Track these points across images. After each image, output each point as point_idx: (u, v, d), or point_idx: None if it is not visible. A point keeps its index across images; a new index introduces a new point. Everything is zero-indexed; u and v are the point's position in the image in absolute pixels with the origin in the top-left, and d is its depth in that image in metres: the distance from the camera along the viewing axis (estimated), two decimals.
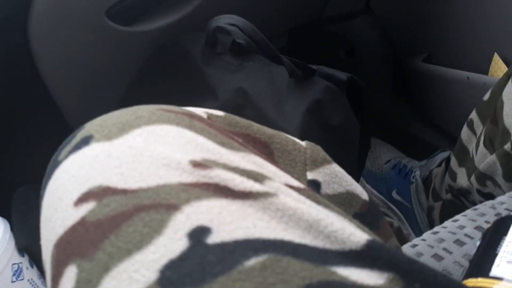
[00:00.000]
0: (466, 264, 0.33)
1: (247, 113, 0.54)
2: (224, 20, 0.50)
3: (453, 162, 0.58)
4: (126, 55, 0.62)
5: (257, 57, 0.56)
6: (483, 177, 0.51)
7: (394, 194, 0.75)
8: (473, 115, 0.54)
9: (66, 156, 0.24)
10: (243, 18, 0.52)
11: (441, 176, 0.64)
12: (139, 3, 0.61)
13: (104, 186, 0.22)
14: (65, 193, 0.23)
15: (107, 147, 0.23)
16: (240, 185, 0.22)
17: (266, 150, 0.28)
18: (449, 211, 0.61)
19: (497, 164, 0.48)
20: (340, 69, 0.61)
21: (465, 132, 0.56)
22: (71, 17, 0.56)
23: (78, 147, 0.24)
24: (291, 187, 0.23)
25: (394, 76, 0.79)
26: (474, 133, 0.54)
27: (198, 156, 0.23)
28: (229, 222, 0.20)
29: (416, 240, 0.38)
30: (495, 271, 0.27)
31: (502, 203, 0.39)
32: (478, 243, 0.31)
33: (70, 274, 0.21)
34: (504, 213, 0.37)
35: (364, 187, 0.83)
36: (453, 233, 0.37)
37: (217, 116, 0.28)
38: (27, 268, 0.49)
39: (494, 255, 0.28)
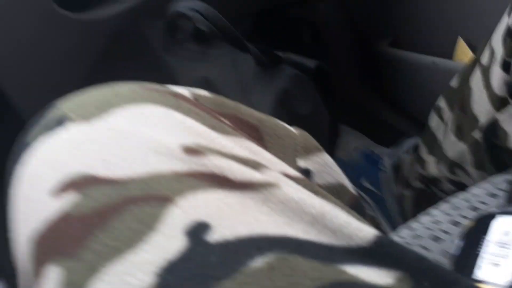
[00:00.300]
0: (444, 262, 0.32)
1: None
2: (185, 5, 0.47)
3: (422, 149, 0.57)
4: (80, 44, 0.58)
5: (221, 44, 0.53)
6: (453, 165, 0.50)
7: (364, 182, 0.75)
8: (441, 102, 0.54)
9: (38, 139, 0.21)
10: (205, 2, 0.49)
11: (410, 163, 0.63)
12: None
13: (86, 174, 0.19)
14: (42, 182, 0.20)
15: (86, 129, 0.21)
16: (238, 174, 0.19)
17: (256, 135, 0.26)
18: (420, 199, 0.61)
19: (467, 153, 0.47)
20: (306, 55, 0.59)
21: (433, 119, 0.55)
22: (15, 4, 0.52)
23: (50, 128, 0.21)
24: (288, 176, 0.21)
25: (361, 61, 0.77)
26: (443, 120, 0.54)
27: (189, 141, 0.20)
28: (229, 217, 0.18)
29: (394, 237, 0.38)
30: (477, 273, 0.26)
31: (475, 195, 0.38)
32: (456, 241, 0.30)
33: (52, 274, 0.18)
34: (479, 206, 0.36)
35: None
36: (429, 229, 0.36)
37: (204, 97, 0.26)
38: None
39: (475, 256, 0.27)
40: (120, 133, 0.20)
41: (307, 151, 0.27)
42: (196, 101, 0.24)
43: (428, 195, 0.59)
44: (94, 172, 0.19)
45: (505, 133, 0.42)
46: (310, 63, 0.54)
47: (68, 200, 0.19)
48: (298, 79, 0.52)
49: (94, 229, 0.18)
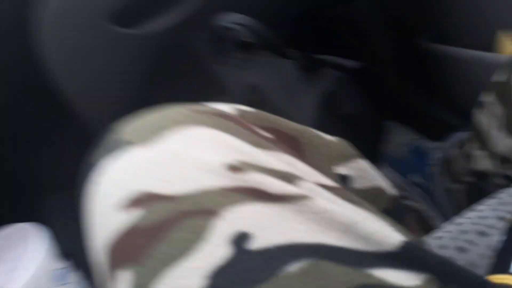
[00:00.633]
0: (490, 256, 0.33)
1: (261, 109, 0.54)
2: (228, 19, 0.50)
3: (471, 145, 0.57)
4: (133, 58, 0.62)
5: (265, 52, 0.56)
6: (503, 160, 0.50)
7: (413, 177, 0.75)
8: (488, 96, 0.53)
9: (106, 161, 0.25)
10: (247, 8, 0.52)
11: (460, 158, 0.63)
12: (141, 5, 0.61)
13: (148, 192, 0.22)
14: (111, 199, 0.23)
15: (146, 152, 0.24)
16: (275, 188, 0.22)
17: (295, 145, 0.28)
18: (470, 193, 0.61)
19: None
20: (348, 55, 0.60)
21: (480, 114, 0.55)
22: (75, 25, 0.57)
23: (115, 151, 0.25)
24: (324, 186, 0.23)
25: (404, 56, 0.77)
26: (490, 115, 0.53)
27: (233, 159, 0.23)
28: (268, 227, 0.21)
29: (440, 232, 0.38)
30: None
31: None
32: (502, 237, 0.31)
33: (124, 277, 0.21)
34: None
35: (382, 171, 0.83)
36: (476, 224, 0.37)
37: (248, 112, 0.28)
38: (70, 271, 0.51)
39: None
40: (174, 155, 0.23)
41: (345, 158, 0.29)
42: (241, 117, 0.27)
43: (477, 189, 0.58)
44: (154, 190, 0.22)
45: None
46: (352, 64, 0.56)
47: (134, 214, 0.22)
48: (341, 81, 0.53)
49: (156, 239, 0.21)
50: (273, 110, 0.56)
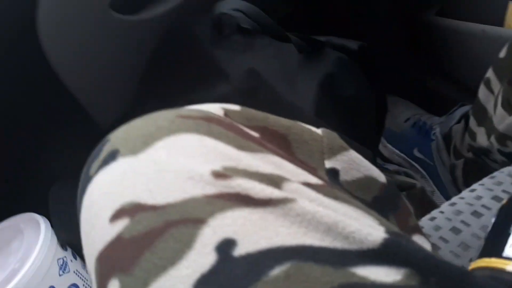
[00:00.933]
0: (483, 236, 0.34)
1: (261, 93, 0.54)
2: (228, 5, 0.50)
3: (472, 121, 0.57)
4: (135, 43, 0.63)
5: (264, 36, 0.56)
6: (503, 137, 0.50)
7: (416, 152, 0.75)
8: (490, 74, 0.53)
9: (97, 172, 0.26)
10: None
11: (461, 133, 0.63)
12: None
13: (135, 202, 0.23)
14: (100, 210, 0.25)
15: (133, 163, 0.25)
16: (260, 193, 0.23)
17: (283, 142, 0.29)
18: (472, 169, 0.61)
19: None
20: (351, 28, 0.59)
21: (482, 91, 0.55)
22: (76, 13, 0.57)
23: (106, 162, 0.26)
24: (310, 185, 0.24)
25: (408, 31, 0.77)
26: (492, 92, 0.53)
27: (218, 166, 0.24)
28: (252, 232, 0.21)
29: (434, 213, 0.39)
30: (508, 251, 0.28)
31: None
32: (493, 219, 0.31)
33: (114, 287, 0.23)
34: None
35: (385, 147, 0.83)
36: (471, 204, 0.38)
37: (234, 112, 0.29)
38: (71, 260, 0.53)
39: (508, 235, 0.29)
40: (161, 164, 0.24)
41: (333, 152, 0.29)
42: (227, 119, 0.27)
43: (479, 165, 0.59)
44: (141, 200, 0.23)
45: None
46: (353, 44, 0.56)
47: (121, 225, 0.23)
48: (341, 62, 0.53)
49: (144, 249, 0.22)
50: (273, 95, 0.56)
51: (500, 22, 0.60)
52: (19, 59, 0.59)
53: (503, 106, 0.49)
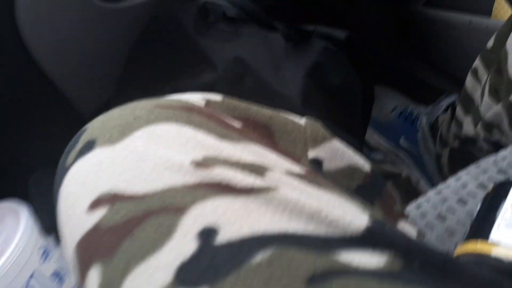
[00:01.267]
0: (469, 223, 0.34)
1: (247, 82, 0.54)
2: None
3: (459, 110, 0.58)
4: (118, 31, 0.61)
5: (251, 24, 0.55)
6: (489, 126, 0.50)
7: (402, 141, 0.75)
8: (477, 63, 0.53)
9: (73, 162, 0.25)
10: None
11: (448, 123, 0.64)
12: None
13: (112, 192, 0.23)
14: (77, 200, 0.24)
15: (110, 153, 0.24)
16: (242, 182, 0.22)
17: (266, 132, 0.28)
18: (457, 158, 0.62)
19: (503, 114, 0.48)
20: (338, 18, 0.59)
21: (469, 81, 0.55)
22: (57, 1, 0.56)
23: (83, 152, 0.25)
24: (292, 174, 0.24)
25: (395, 21, 0.76)
26: (479, 81, 0.53)
27: (199, 155, 0.24)
28: (234, 220, 0.21)
29: (420, 201, 0.39)
30: (494, 235, 0.28)
31: (504, 158, 0.39)
32: (478, 206, 0.32)
33: (93, 275, 0.22)
34: (508, 170, 0.38)
35: (372, 136, 0.83)
36: (456, 192, 0.38)
37: (215, 102, 0.28)
38: (53, 248, 0.52)
39: (493, 219, 0.29)
40: (139, 154, 0.24)
41: (316, 142, 0.29)
42: (208, 109, 0.27)
43: (464, 154, 0.59)
44: (119, 190, 0.23)
45: None
46: (340, 34, 0.55)
47: (99, 214, 0.23)
48: (328, 51, 0.53)
49: (123, 238, 0.22)
50: (259, 83, 0.56)
51: (488, 12, 0.60)
52: None
53: (490, 94, 0.49)
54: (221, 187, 0.22)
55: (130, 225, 0.22)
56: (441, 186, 0.40)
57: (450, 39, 0.68)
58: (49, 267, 0.50)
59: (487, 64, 0.51)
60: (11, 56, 0.58)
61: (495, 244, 0.27)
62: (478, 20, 0.60)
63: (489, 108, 0.50)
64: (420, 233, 0.34)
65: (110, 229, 0.22)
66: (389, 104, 0.80)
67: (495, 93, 0.49)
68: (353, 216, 0.22)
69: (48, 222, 0.53)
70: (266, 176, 0.23)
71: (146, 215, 0.22)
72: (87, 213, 0.23)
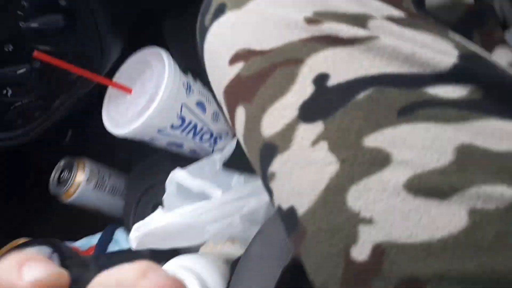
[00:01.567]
0: None
1: None
2: None
3: None
4: None
5: None
6: None
7: None
8: None
9: (210, 23, 0.32)
10: None
11: None
12: None
13: (246, 48, 0.30)
14: (219, 56, 0.32)
15: (240, 15, 0.31)
16: (347, 33, 0.27)
17: None
18: None
19: None
20: None
21: None
22: None
23: (216, 15, 0.32)
24: (393, 19, 0.28)
25: None
26: None
27: (310, 12, 0.29)
28: (341, 67, 0.27)
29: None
30: None
31: None
32: None
33: (240, 112, 0.31)
34: None
35: None
36: None
37: None
38: (193, 83, 0.63)
39: None
40: (263, 15, 0.29)
41: None
42: None
43: None
44: (251, 47, 0.29)
45: None
46: None
47: (238, 67, 0.30)
48: None
49: (258, 85, 0.29)
50: None
51: None
52: None
53: None
54: (330, 39, 0.28)
55: (263, 74, 0.29)
56: None
57: None
58: (193, 98, 0.61)
59: None
60: None
61: None
62: None
63: None
64: None
65: (248, 78, 0.30)
66: None
67: None
68: (444, 54, 0.26)
69: (183, 64, 0.62)
70: (368, 25, 0.28)
71: (273, 67, 0.29)
72: (229, 66, 0.31)
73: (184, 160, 0.60)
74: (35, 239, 0.45)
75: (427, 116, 0.24)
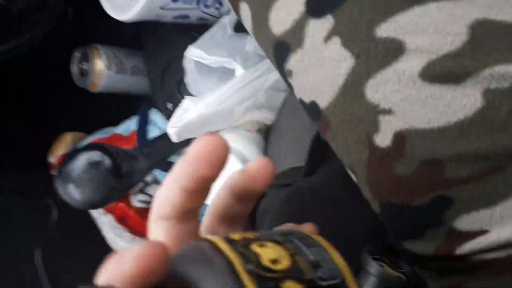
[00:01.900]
0: None
1: None
2: None
3: None
4: None
5: None
6: None
7: None
8: None
9: None
10: None
11: None
12: None
13: None
14: None
15: None
16: None
17: None
18: None
19: None
20: None
21: None
22: None
23: None
24: None
25: None
26: None
27: None
28: None
29: None
30: None
31: None
32: None
33: (244, 8, 0.30)
34: None
35: None
36: None
37: None
38: None
39: None
40: None
41: None
42: None
43: None
44: None
45: None
46: None
47: None
48: None
49: None
50: None
51: None
52: None
53: None
54: None
55: None
56: None
57: None
58: None
59: None
60: None
61: None
62: None
63: None
64: None
65: None
66: None
67: None
68: None
69: None
70: None
71: None
72: None
73: (195, 28, 0.59)
74: (84, 147, 0.49)
75: None
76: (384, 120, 0.24)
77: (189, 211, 0.19)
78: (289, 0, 0.27)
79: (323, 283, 0.16)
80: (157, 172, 0.60)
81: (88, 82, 0.64)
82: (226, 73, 0.49)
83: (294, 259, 0.16)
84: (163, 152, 0.53)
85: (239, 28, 0.55)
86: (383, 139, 0.25)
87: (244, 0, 0.29)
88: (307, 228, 0.23)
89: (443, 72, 0.23)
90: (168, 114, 0.61)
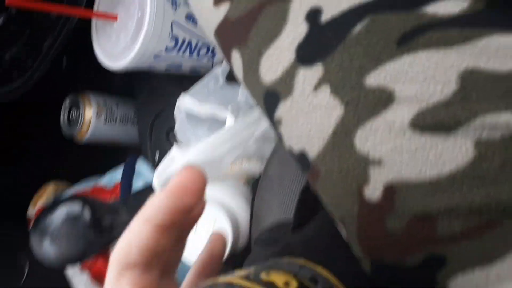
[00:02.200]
0: None
1: None
2: None
3: None
4: None
5: None
6: None
7: None
8: None
9: None
10: None
11: None
12: None
13: None
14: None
15: None
16: None
17: None
18: None
19: None
20: None
21: None
22: None
23: None
24: None
25: None
26: None
27: None
28: None
29: None
30: None
31: None
32: None
33: (236, 56, 0.30)
34: None
35: None
36: None
37: None
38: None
39: None
40: None
41: None
42: None
43: None
44: None
45: None
46: None
47: (224, 8, 0.28)
48: None
49: (250, 26, 0.27)
50: None
51: None
52: None
53: None
54: None
55: (251, 15, 0.28)
56: None
57: None
58: (181, 12, 0.58)
59: None
60: None
61: None
62: None
63: None
64: None
65: (237, 21, 0.28)
66: None
67: None
68: None
69: None
70: None
71: (262, 5, 0.27)
72: (214, 7, 0.29)
73: (187, 79, 0.60)
74: (63, 199, 0.48)
75: (428, 42, 0.23)
76: (373, 171, 0.24)
77: (162, 256, 0.17)
78: (280, 48, 0.27)
79: None
80: None
81: (76, 131, 0.63)
82: (217, 123, 0.48)
83: (297, 279, 0.16)
84: None
85: (231, 78, 0.55)
86: (373, 191, 0.24)
87: (236, 48, 0.29)
88: None
89: (434, 121, 0.22)
90: (156, 164, 0.60)
